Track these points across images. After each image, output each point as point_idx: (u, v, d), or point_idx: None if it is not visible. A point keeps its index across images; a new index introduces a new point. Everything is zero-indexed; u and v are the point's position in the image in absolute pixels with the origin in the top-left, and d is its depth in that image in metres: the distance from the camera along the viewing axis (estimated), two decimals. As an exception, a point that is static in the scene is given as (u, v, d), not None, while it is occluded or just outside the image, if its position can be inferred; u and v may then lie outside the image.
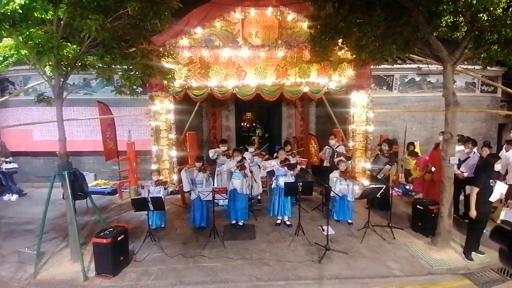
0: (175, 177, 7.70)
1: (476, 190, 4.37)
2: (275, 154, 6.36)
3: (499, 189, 4.36)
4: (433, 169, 6.31)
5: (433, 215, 5.16)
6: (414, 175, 7.27)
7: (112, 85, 5.37)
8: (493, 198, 4.38)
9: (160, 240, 5.22)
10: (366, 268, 4.37)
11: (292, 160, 6.03)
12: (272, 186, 5.94)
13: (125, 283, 4.09)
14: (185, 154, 8.00)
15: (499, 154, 6.12)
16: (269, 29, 7.32)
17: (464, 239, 4.84)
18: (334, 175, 5.76)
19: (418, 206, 5.50)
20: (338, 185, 5.68)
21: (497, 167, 4.45)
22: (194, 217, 5.62)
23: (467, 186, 5.84)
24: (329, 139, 7.08)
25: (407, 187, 7.62)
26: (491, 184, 4.33)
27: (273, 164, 5.77)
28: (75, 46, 4.27)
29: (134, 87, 4.85)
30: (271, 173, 6.15)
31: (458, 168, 5.71)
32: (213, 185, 5.84)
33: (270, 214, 5.96)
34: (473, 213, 4.34)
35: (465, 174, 5.72)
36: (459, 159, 5.75)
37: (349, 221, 5.86)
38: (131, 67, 4.63)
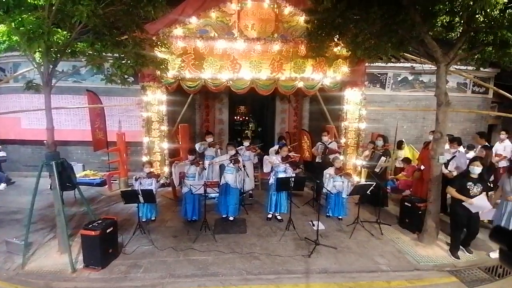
0: (166, 169, 7.61)
1: (450, 188, 4.48)
2: (271, 150, 6.36)
3: (479, 203, 4.23)
4: (422, 167, 6.43)
5: (420, 212, 5.28)
6: (401, 178, 7.50)
7: (102, 74, 5.22)
8: (471, 207, 4.29)
9: (150, 233, 5.18)
10: (354, 262, 4.45)
11: (292, 157, 6.02)
12: (270, 182, 5.91)
13: (114, 276, 4.05)
14: (177, 147, 7.91)
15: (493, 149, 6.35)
16: (266, 22, 7.21)
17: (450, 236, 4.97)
18: (328, 172, 5.79)
19: (405, 203, 5.62)
20: (331, 182, 5.70)
21: (478, 169, 4.31)
22: (185, 210, 5.58)
23: None
24: (322, 135, 7.12)
25: (395, 183, 7.76)
26: (467, 187, 4.31)
27: (274, 159, 5.76)
28: (65, 32, 4.12)
29: (126, 76, 4.72)
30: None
31: (446, 167, 5.83)
32: (205, 179, 5.79)
33: (267, 210, 5.95)
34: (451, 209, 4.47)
35: (454, 173, 5.85)
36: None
37: (339, 217, 5.93)
38: (123, 55, 4.49)
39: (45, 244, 4.84)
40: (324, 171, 5.87)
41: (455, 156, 5.89)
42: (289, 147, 6.75)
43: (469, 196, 4.31)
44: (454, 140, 6.03)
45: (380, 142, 6.68)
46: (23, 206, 5.80)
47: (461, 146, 6.21)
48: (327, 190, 5.58)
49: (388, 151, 6.69)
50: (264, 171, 6.37)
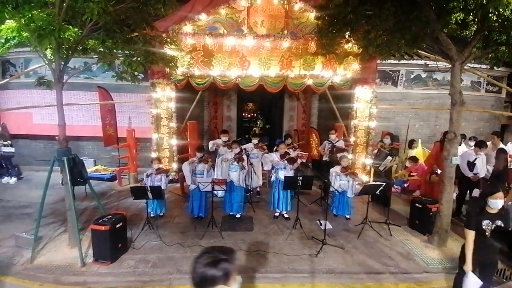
0: (174, 165, 7.68)
1: (468, 236, 3.16)
2: (275, 148, 6.33)
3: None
4: (438, 171, 6.22)
5: (431, 213, 5.17)
6: (410, 178, 7.37)
7: (113, 71, 5.28)
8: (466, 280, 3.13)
9: (159, 228, 5.23)
10: (362, 263, 4.40)
11: (292, 154, 6.00)
12: (272, 179, 5.92)
13: (123, 270, 4.12)
14: (185, 143, 7.96)
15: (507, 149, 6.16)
16: (275, 19, 7.14)
17: (460, 238, 4.85)
18: (334, 170, 5.73)
19: (416, 204, 5.50)
20: (338, 180, 5.66)
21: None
22: (192, 207, 5.62)
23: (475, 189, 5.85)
24: (329, 133, 7.04)
25: (405, 184, 7.62)
26: (483, 227, 3.09)
27: (274, 157, 5.74)
28: (76, 29, 4.16)
29: (136, 73, 4.76)
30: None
31: (471, 170, 5.66)
32: (214, 176, 5.82)
33: (271, 208, 5.95)
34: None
35: (481, 175, 5.70)
36: (468, 161, 5.71)
37: (347, 216, 5.87)
38: (133, 52, 4.52)
39: (55, 238, 4.92)
40: (331, 170, 5.82)
41: (477, 157, 5.71)
42: (293, 144, 6.72)
43: (485, 238, 3.11)
44: (476, 143, 5.87)
45: (387, 140, 6.58)
46: (34, 201, 5.89)
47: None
48: (334, 188, 5.52)
49: (395, 150, 6.56)
50: (265, 169, 6.38)
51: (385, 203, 6.12)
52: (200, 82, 7.28)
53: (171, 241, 4.83)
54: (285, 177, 5.36)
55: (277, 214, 5.88)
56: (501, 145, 6.44)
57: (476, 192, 5.85)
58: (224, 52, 7.02)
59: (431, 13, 4.25)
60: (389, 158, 6.20)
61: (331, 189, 5.67)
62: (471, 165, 5.65)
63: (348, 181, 5.66)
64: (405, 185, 7.55)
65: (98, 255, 4.22)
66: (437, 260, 4.50)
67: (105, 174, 8.11)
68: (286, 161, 5.65)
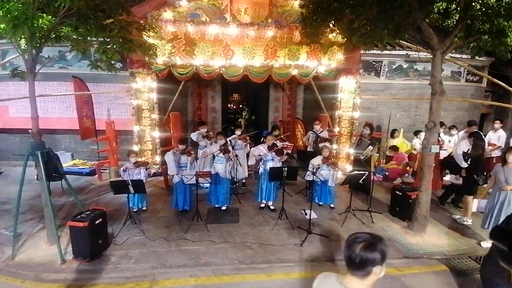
0: (157, 158, 7.49)
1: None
2: (262, 139, 6.27)
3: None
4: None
5: (410, 201, 5.33)
6: (390, 166, 7.55)
7: (88, 59, 5.00)
8: None
9: (142, 223, 5.12)
10: (346, 251, 4.49)
11: (278, 145, 5.98)
12: (260, 171, 5.88)
13: (104, 267, 4.00)
14: (169, 135, 7.76)
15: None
16: (259, 6, 6.97)
17: (440, 225, 5.14)
18: (316, 161, 5.77)
19: (397, 192, 5.66)
20: (320, 170, 5.68)
21: None
22: (176, 201, 5.52)
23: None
24: (313, 124, 7.07)
25: (386, 172, 7.81)
26: None
27: (261, 149, 5.69)
28: (50, 17, 3.92)
29: (112, 62, 4.53)
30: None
31: (465, 160, 5.67)
32: (197, 169, 5.71)
33: (258, 199, 5.94)
34: None
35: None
36: (463, 152, 5.76)
37: (331, 205, 5.96)
38: (108, 39, 4.28)
39: (34, 235, 4.76)
40: (311, 160, 5.85)
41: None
42: (281, 136, 6.69)
43: None
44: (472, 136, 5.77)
45: (366, 131, 6.69)
46: (12, 196, 5.65)
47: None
48: (316, 176, 5.53)
49: (374, 140, 6.69)
50: (249, 163, 6.33)
51: (365, 191, 6.25)
52: (183, 72, 7.06)
53: (154, 236, 4.74)
54: (270, 168, 5.35)
55: (263, 205, 5.88)
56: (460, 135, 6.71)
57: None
58: (207, 41, 6.81)
59: (413, 1, 4.25)
60: (371, 147, 6.32)
61: (307, 178, 5.68)
62: (466, 155, 5.77)
63: (329, 170, 5.73)
64: (386, 173, 7.74)
65: (78, 252, 4.08)
66: (417, 246, 4.66)
67: (83, 168, 7.81)
68: (274, 153, 5.62)
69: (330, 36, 6.89)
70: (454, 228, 5.24)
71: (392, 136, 8.18)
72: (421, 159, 7.03)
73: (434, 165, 5.11)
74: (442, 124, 7.12)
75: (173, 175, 5.52)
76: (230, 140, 6.19)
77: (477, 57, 5.35)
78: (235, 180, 6.49)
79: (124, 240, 4.60)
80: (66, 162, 7.79)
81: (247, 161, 6.64)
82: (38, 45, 4.01)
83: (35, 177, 5.06)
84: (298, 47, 7.11)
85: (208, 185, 5.89)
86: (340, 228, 5.17)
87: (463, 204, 5.66)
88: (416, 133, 7.81)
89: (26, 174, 4.32)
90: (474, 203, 5.03)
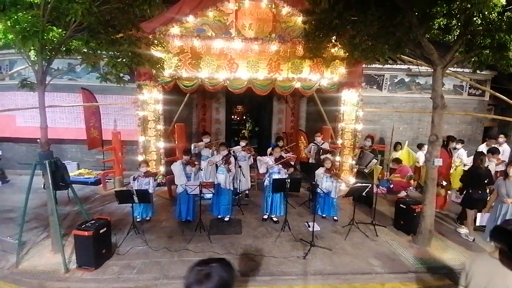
0: (162, 168, 7.56)
1: None
2: (268, 150, 6.32)
3: None
4: (444, 183, 6.25)
5: (415, 214, 5.29)
6: (394, 179, 7.53)
7: (98, 72, 5.17)
8: None
9: (145, 233, 5.14)
10: (349, 264, 4.45)
11: (284, 156, 6.01)
12: (265, 184, 5.87)
13: (107, 276, 4.01)
14: (173, 146, 7.86)
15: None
16: (263, 22, 7.19)
17: (445, 239, 5.07)
18: (320, 172, 5.80)
19: (401, 205, 5.63)
20: (324, 181, 5.71)
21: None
22: (180, 211, 5.54)
23: None
24: (315, 136, 7.13)
25: (391, 185, 7.78)
26: None
27: (268, 160, 5.73)
28: (60, 30, 4.07)
29: (121, 75, 4.68)
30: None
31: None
32: (201, 179, 5.76)
33: (263, 211, 5.93)
34: None
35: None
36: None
37: (335, 217, 5.93)
38: (118, 53, 4.45)
39: (38, 243, 4.79)
40: (316, 171, 5.87)
41: (489, 164, 5.67)
42: (286, 147, 6.74)
43: None
44: (491, 151, 5.86)
45: (368, 143, 6.71)
46: (17, 205, 5.72)
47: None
48: (321, 189, 5.55)
49: (375, 152, 6.70)
50: (260, 172, 6.33)
51: (368, 203, 6.22)
52: (188, 84, 7.23)
53: (157, 246, 4.75)
54: (273, 179, 5.37)
55: (265, 216, 5.87)
56: (480, 148, 6.64)
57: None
58: (212, 55, 7.01)
59: (414, 18, 4.38)
60: (375, 160, 6.33)
61: (319, 190, 5.71)
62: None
63: (332, 182, 5.73)
64: (390, 186, 7.71)
65: (82, 261, 4.10)
66: (422, 260, 4.60)
67: (89, 178, 7.89)
68: (280, 166, 5.65)
69: (332, 50, 7.04)
70: (459, 242, 5.18)
71: (395, 149, 8.19)
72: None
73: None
74: (455, 139, 7.09)
75: (176, 185, 5.57)
76: (233, 151, 6.25)
77: (478, 71, 5.40)
78: (238, 191, 6.51)
79: (127, 250, 4.61)
80: (72, 171, 7.90)
81: (256, 171, 6.65)
82: (48, 57, 4.13)
83: (42, 186, 5.14)
84: (301, 61, 7.26)
85: (210, 196, 5.93)
86: (344, 240, 5.13)
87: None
88: (420, 146, 7.81)
89: (33, 182, 4.37)
90: (478, 217, 4.99)
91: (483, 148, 7.28)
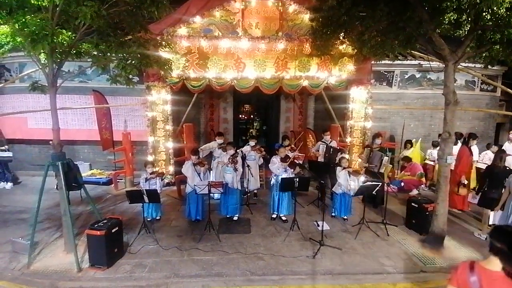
0: (171, 168, 7.64)
1: None
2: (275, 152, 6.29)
3: None
4: (465, 182, 6.06)
5: (427, 213, 5.19)
6: (404, 177, 7.38)
7: (108, 74, 5.25)
8: None
9: (155, 232, 5.21)
10: (360, 264, 4.40)
11: (291, 155, 5.98)
12: (272, 183, 5.86)
13: (119, 275, 4.08)
14: (182, 146, 7.93)
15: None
16: (270, 21, 7.16)
17: (458, 238, 4.92)
18: (343, 173, 5.59)
19: (412, 204, 5.53)
20: (352, 182, 5.52)
21: None
22: (189, 210, 5.59)
23: None
24: (323, 134, 7.06)
25: (402, 184, 7.64)
26: None
27: (274, 161, 5.69)
28: (70, 33, 4.14)
29: (130, 76, 4.74)
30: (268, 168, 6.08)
31: None
32: (210, 179, 5.79)
33: (271, 211, 5.92)
34: None
35: None
36: None
37: (344, 217, 5.87)
38: (127, 55, 4.50)
39: (51, 243, 4.89)
40: (337, 172, 5.66)
41: None
42: (292, 146, 6.69)
43: None
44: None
45: (378, 140, 6.58)
46: (29, 206, 5.83)
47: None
48: (347, 190, 5.47)
49: (384, 149, 6.58)
50: (278, 173, 6.17)
51: (378, 202, 6.11)
52: (196, 85, 7.27)
53: (168, 245, 4.80)
54: (282, 178, 5.36)
55: (274, 216, 5.86)
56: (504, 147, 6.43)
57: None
58: (219, 54, 7.02)
59: (424, 13, 4.28)
60: (386, 158, 6.22)
61: (339, 190, 5.60)
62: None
63: (353, 180, 5.58)
64: (401, 184, 7.58)
65: (94, 260, 4.18)
66: (434, 260, 4.51)
67: (100, 178, 8.04)
68: (287, 165, 5.62)
69: (340, 47, 6.96)
70: (472, 241, 5.06)
71: (406, 147, 8.04)
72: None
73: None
74: (476, 137, 6.90)
75: (185, 185, 5.61)
76: (241, 151, 6.26)
77: (490, 67, 5.28)
78: (246, 190, 6.52)
79: (139, 249, 4.68)
80: (85, 172, 8.06)
81: (264, 169, 6.60)
82: (58, 60, 4.19)
83: (55, 187, 5.25)
84: (308, 59, 7.20)
85: (218, 195, 5.95)
86: (354, 240, 5.08)
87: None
88: (435, 144, 7.62)
89: (45, 183, 4.44)
90: (491, 215, 4.85)
91: (506, 146, 7.06)
